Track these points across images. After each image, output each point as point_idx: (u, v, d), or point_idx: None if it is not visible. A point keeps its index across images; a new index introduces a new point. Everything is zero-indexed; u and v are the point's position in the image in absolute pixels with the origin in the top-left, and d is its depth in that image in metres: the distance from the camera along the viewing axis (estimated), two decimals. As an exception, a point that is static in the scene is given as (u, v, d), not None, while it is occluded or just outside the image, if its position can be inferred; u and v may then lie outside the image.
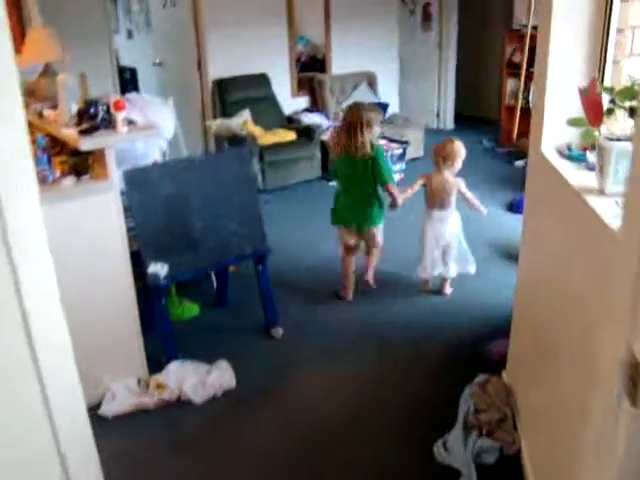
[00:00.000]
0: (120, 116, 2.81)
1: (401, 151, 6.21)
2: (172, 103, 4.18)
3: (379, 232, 4.04)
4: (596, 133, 1.91)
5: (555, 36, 2.28)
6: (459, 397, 2.94)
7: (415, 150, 6.86)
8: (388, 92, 7.73)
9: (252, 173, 3.61)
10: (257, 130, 6.12)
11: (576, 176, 2.09)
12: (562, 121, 2.39)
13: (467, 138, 7.77)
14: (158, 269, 3.13)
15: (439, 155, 3.92)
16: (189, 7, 6.13)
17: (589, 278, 1.81)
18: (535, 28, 7.01)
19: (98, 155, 2.83)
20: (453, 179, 3.94)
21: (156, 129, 3.02)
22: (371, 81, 7.37)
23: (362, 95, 7.10)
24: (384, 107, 7.14)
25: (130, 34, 7.27)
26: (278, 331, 3.62)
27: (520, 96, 6.96)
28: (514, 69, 7.21)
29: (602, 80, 2.29)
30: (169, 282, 3.19)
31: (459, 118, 8.70)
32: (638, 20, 2.24)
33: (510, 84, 7.31)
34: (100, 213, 2.82)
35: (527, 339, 2.74)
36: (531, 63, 7.00)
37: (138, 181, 3.11)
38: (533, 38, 6.98)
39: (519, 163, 6.51)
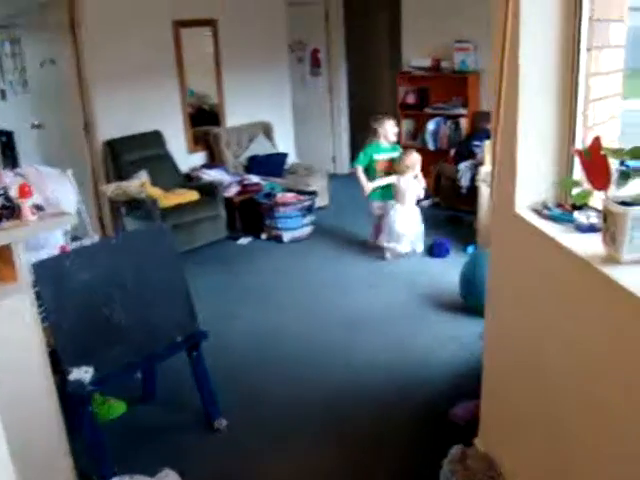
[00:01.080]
0: (27, 203, 2.38)
1: (310, 203, 6.00)
2: (71, 174, 3.72)
3: None
4: (600, 196, 1.74)
5: (525, 84, 2.12)
6: (436, 476, 2.71)
7: (321, 199, 6.65)
8: (285, 141, 7.49)
9: (175, 248, 3.23)
10: (157, 192, 5.68)
11: (572, 240, 1.91)
12: (536, 178, 2.23)
13: None
14: (82, 374, 2.67)
15: (404, 164, 5.23)
16: (72, 64, 5.65)
17: (605, 345, 1.72)
18: (421, 69, 7.18)
19: (1, 252, 2.38)
20: (414, 181, 5.28)
21: (70, 215, 2.59)
22: (267, 131, 7.11)
23: (260, 146, 6.87)
24: (283, 157, 6.94)
25: (4, 95, 6.66)
26: (222, 422, 3.20)
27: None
28: (408, 110, 7.24)
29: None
30: (97, 388, 2.73)
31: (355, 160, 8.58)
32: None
33: (406, 125, 7.31)
34: (9, 322, 2.35)
35: (509, 403, 2.53)
36: (421, 104, 7.11)
37: (50, 274, 2.66)
38: (420, 79, 7.14)
39: (426, 202, 6.41)
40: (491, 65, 6.92)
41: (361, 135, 8.60)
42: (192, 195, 5.78)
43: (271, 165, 6.71)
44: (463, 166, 6.29)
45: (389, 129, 5.46)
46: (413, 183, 5.32)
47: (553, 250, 1.98)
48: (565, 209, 2.14)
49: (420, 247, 5.38)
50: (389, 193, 5.43)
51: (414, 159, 5.32)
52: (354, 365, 3.80)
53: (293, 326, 4.29)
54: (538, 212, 2.19)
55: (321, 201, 6.68)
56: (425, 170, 6.72)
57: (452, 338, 3.98)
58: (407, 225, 5.28)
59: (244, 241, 5.96)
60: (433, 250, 5.38)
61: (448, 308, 4.40)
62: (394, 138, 5.53)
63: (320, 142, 8.36)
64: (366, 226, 5.94)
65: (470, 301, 4.21)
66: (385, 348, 3.96)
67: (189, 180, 6.28)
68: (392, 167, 5.44)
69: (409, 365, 3.76)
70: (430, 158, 6.89)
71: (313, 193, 6.15)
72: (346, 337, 4.13)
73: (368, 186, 5.40)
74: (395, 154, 5.49)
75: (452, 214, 6.34)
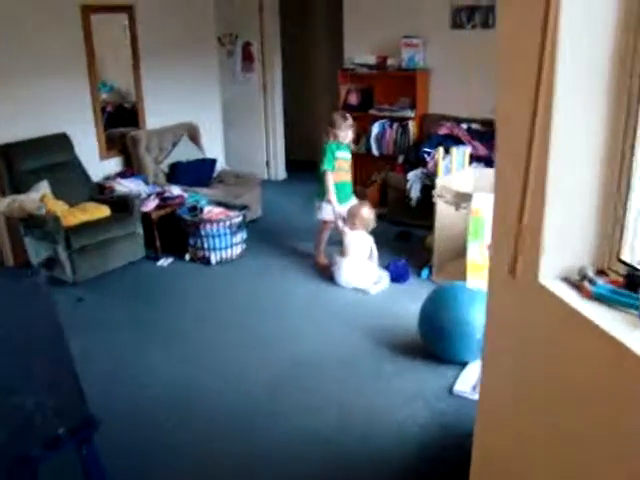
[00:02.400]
0: None
1: (240, 219, 5.21)
2: None
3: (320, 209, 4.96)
4: None
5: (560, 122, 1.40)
6: None
7: (253, 211, 5.91)
8: (213, 145, 6.73)
9: (54, 309, 2.37)
10: (60, 206, 4.78)
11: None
12: (571, 236, 1.52)
13: (302, 189, 7.09)
14: None
15: (355, 219, 4.71)
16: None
17: None
18: (365, 66, 6.50)
19: None
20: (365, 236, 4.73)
21: None
22: (193, 134, 6.29)
23: (184, 151, 6.06)
24: (211, 164, 6.16)
25: None
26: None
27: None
28: (351, 111, 6.28)
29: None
30: None
31: (292, 165, 7.95)
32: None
33: (347, 128, 6.64)
34: None
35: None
36: (365, 105, 6.49)
37: None
38: (364, 78, 6.49)
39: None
40: (439, 61, 6.09)
41: (297, 138, 8.13)
42: (103, 211, 4.89)
43: (197, 173, 5.97)
44: (412, 175, 5.70)
45: (347, 131, 4.85)
46: (363, 239, 4.76)
47: (609, 353, 1.29)
48: (615, 283, 1.45)
49: (384, 284, 4.66)
50: (345, 196, 4.96)
51: (367, 216, 4.76)
52: (277, 440, 2.96)
53: (215, 383, 3.46)
54: (574, 284, 1.49)
55: (254, 214, 5.96)
56: (368, 179, 6.23)
57: (413, 395, 3.26)
58: (356, 278, 4.67)
59: (164, 263, 5.16)
60: (390, 273, 4.71)
61: (405, 351, 3.68)
62: (350, 139, 4.97)
63: (253, 146, 7.63)
64: (305, 238, 5.32)
65: (432, 345, 3.56)
66: (322, 410, 3.18)
67: (101, 192, 5.40)
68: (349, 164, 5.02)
69: (354, 435, 2.99)
70: (375, 165, 6.44)
71: (244, 207, 5.38)
72: (271, 396, 3.33)
73: (334, 197, 4.80)
74: (348, 155, 4.97)
75: (401, 229, 5.73)
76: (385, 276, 4.68)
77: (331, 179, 4.78)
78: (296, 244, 5.49)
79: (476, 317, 3.24)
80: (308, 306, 4.39)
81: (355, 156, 5.53)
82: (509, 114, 1.63)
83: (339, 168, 4.86)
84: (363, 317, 4.17)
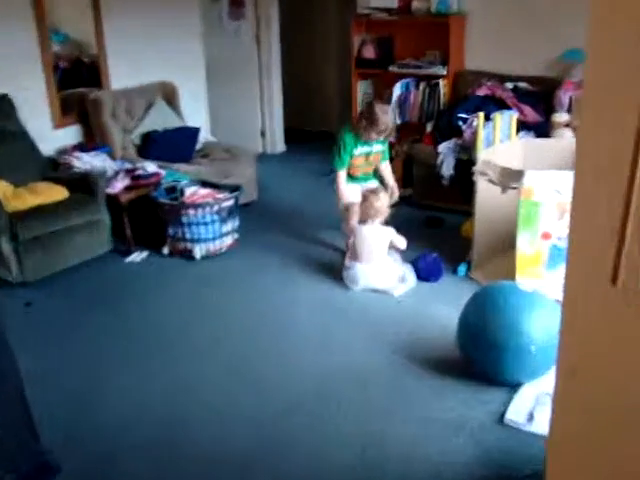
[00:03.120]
0: None
1: (232, 203, 5.09)
2: None
3: None
4: None
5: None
6: None
7: (247, 193, 5.81)
8: (195, 110, 6.67)
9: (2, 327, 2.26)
10: (2, 187, 4.68)
11: None
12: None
13: (306, 164, 7.22)
14: None
15: (373, 208, 4.55)
16: None
17: None
18: (384, 11, 6.36)
19: None
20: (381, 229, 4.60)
21: None
22: (170, 97, 6.20)
23: (160, 118, 5.98)
24: (194, 134, 6.09)
25: None
26: None
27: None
28: (366, 68, 6.52)
29: None
30: None
31: (291, 135, 7.93)
32: None
33: (362, 88, 6.59)
34: None
35: None
36: (384, 60, 6.43)
37: None
38: (383, 25, 6.41)
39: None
40: (478, 3, 5.95)
41: (299, 103, 8.12)
42: (58, 192, 4.80)
43: (176, 145, 5.88)
44: (444, 147, 5.65)
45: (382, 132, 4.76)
46: (382, 232, 4.61)
47: None
48: None
49: (410, 283, 4.56)
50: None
51: (377, 205, 4.59)
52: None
53: (204, 414, 3.30)
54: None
55: (247, 196, 5.87)
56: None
57: (453, 425, 3.14)
58: (375, 280, 4.53)
59: (137, 258, 5.08)
60: (418, 270, 4.59)
61: (442, 369, 3.56)
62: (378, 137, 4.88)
63: (245, 112, 7.65)
64: (312, 226, 5.27)
65: (476, 362, 3.43)
66: (342, 443, 3.05)
67: (55, 168, 5.32)
68: (375, 159, 4.94)
69: (382, 474, 2.87)
70: (396, 135, 6.18)
71: (237, 189, 5.25)
72: (277, 428, 3.17)
73: (346, 198, 4.82)
74: (379, 147, 4.93)
75: (430, 215, 5.69)
76: (410, 273, 4.56)
77: (343, 181, 4.80)
78: (301, 233, 5.39)
79: (532, 326, 3.15)
80: (318, 313, 4.27)
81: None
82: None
83: (356, 166, 4.88)
84: (387, 326, 4.06)
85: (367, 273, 4.50)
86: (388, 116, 4.74)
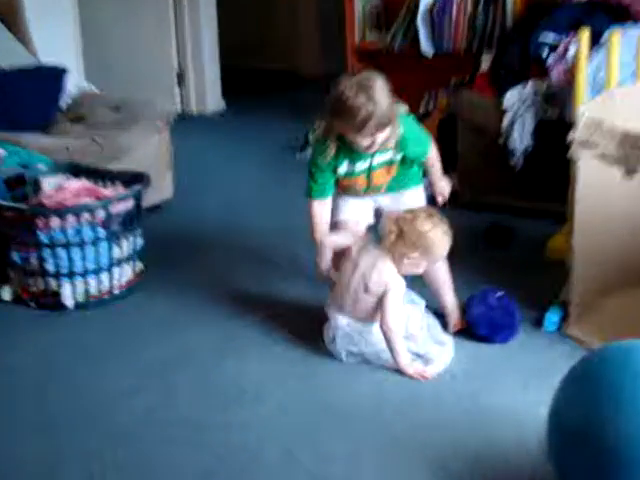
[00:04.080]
0: None
1: (130, 206, 4.22)
2: None
3: None
4: None
5: None
6: None
7: (156, 188, 4.78)
8: (55, 37, 5.82)
9: None
10: None
11: None
12: None
13: (258, 134, 6.49)
14: None
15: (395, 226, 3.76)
16: None
17: None
18: None
19: None
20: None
21: None
22: (8, 15, 5.52)
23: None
24: (55, 78, 5.29)
25: None
26: None
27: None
28: None
29: None
30: None
31: (233, 81, 7.10)
32: None
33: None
34: None
35: None
36: None
37: None
38: None
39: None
40: None
41: (245, 23, 7.63)
42: None
43: (22, 100, 5.07)
44: (515, 97, 4.73)
45: (379, 133, 3.73)
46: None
47: None
48: None
49: (447, 354, 3.90)
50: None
51: (433, 241, 3.70)
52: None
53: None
54: None
55: (156, 193, 4.85)
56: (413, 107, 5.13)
57: None
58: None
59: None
60: (474, 322, 3.86)
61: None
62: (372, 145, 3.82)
63: (149, 40, 6.78)
64: (272, 248, 4.58)
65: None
66: None
67: None
68: (387, 173, 4.00)
69: None
70: (426, 76, 5.61)
71: (139, 179, 4.28)
72: None
73: (326, 240, 4.13)
74: (387, 156, 3.93)
75: (491, 222, 4.68)
76: (447, 335, 3.87)
77: (319, 213, 4.10)
78: (252, 260, 4.50)
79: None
80: (296, 413, 3.32)
81: (380, 57, 5.34)
82: None
83: (354, 185, 4.05)
84: (421, 435, 3.21)
85: (367, 330, 3.78)
86: (372, 94, 3.63)
